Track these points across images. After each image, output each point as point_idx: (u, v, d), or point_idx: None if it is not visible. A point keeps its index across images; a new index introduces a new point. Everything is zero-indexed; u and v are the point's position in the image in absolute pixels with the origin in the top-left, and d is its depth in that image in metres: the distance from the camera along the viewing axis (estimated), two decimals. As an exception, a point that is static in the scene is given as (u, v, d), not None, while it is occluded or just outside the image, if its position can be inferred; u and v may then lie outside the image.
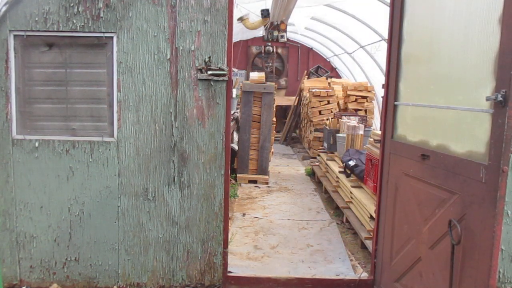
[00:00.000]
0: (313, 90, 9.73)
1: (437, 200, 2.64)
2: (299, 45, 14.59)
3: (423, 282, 2.78)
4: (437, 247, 2.64)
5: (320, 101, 9.62)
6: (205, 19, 3.14)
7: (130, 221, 3.30)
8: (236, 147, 7.40)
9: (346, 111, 9.45)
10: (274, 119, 7.58)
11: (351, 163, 5.62)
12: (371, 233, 4.00)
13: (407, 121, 3.08)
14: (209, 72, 3.17)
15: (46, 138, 3.22)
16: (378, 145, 3.78)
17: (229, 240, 3.56)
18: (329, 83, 10.95)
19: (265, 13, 7.90)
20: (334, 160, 6.94)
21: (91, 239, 3.31)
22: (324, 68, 13.32)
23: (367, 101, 9.55)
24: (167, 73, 3.18)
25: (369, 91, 9.58)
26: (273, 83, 7.45)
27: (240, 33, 11.33)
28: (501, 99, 2.12)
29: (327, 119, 8.69)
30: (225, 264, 3.37)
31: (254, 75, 7.85)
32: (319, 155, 7.90)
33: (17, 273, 3.33)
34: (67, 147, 3.22)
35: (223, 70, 3.17)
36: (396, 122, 3.17)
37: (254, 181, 7.20)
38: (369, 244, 4.13)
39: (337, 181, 6.06)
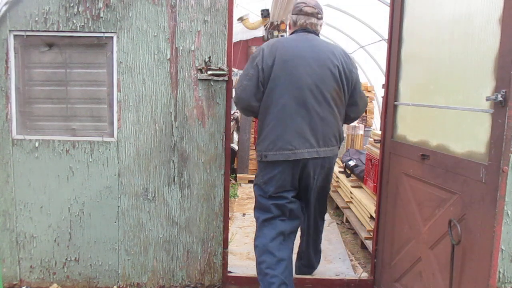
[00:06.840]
0: (313, 90, 9.70)
1: (437, 200, 2.64)
2: (299, 45, 14.56)
3: (423, 282, 2.78)
4: (437, 247, 2.64)
5: (320, 101, 9.60)
6: (205, 19, 3.14)
7: (130, 221, 3.30)
8: (236, 147, 7.40)
9: (346, 111, 9.43)
10: (274, 119, 7.56)
11: (351, 163, 5.63)
12: (371, 233, 4.00)
13: (407, 121, 3.08)
14: (209, 72, 3.17)
15: (46, 138, 3.22)
16: (378, 145, 3.78)
17: (229, 240, 3.56)
18: (329, 83, 10.93)
19: (265, 13, 7.91)
20: (334, 160, 6.92)
21: (91, 239, 3.31)
22: (324, 68, 13.29)
23: (367, 101, 9.54)
24: (167, 73, 3.18)
25: (369, 91, 9.56)
26: (273, 83, 7.43)
27: (240, 33, 11.32)
28: (501, 99, 2.12)
29: (327, 119, 8.67)
30: (225, 264, 3.38)
31: (254, 75, 7.82)
32: (319, 155, 7.88)
33: (17, 273, 3.34)
34: (67, 147, 3.22)
35: (223, 70, 3.17)
36: (396, 122, 3.17)
37: (254, 181, 7.19)
38: (369, 244, 4.12)
39: (337, 181, 6.05)
